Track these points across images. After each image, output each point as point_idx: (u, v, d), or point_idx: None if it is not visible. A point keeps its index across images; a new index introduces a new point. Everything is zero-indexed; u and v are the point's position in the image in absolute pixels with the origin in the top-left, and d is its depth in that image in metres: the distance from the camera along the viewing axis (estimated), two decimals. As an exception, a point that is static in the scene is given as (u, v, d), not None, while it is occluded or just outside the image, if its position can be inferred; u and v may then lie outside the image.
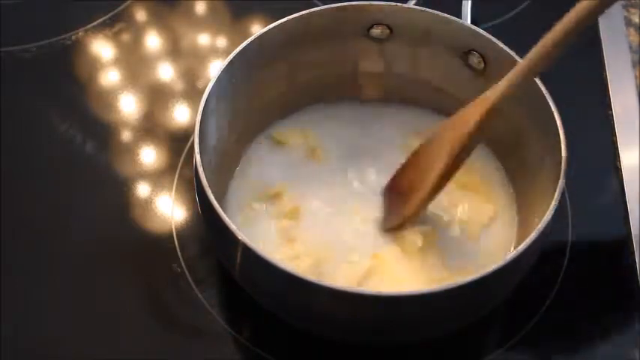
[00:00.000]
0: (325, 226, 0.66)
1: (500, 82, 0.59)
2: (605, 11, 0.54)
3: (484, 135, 0.60)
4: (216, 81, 0.62)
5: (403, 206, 0.63)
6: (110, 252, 0.68)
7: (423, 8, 0.67)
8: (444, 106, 0.71)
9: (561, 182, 0.58)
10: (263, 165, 0.69)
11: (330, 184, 0.68)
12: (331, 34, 0.68)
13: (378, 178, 0.68)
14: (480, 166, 0.69)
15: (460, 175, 0.63)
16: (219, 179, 0.65)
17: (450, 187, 0.64)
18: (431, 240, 0.65)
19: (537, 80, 0.61)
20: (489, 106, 0.58)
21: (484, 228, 0.66)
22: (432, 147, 0.62)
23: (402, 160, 0.66)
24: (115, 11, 0.84)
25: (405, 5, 0.68)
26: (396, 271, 0.63)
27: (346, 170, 0.69)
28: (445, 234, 0.65)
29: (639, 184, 0.73)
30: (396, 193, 0.65)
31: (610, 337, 0.66)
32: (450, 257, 0.64)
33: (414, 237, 0.64)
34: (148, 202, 0.71)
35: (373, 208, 0.67)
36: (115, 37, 0.83)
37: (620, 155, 0.75)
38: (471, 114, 0.59)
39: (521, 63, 0.58)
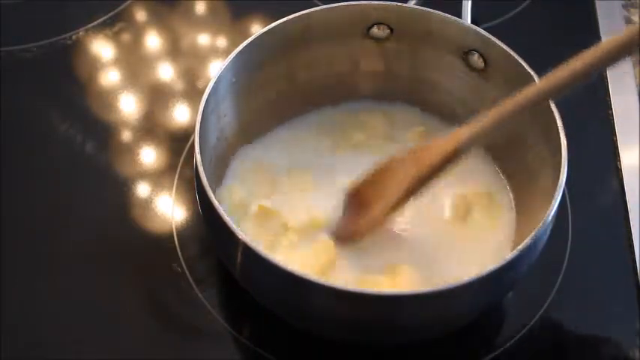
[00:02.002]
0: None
1: (471, 124, 0.58)
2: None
3: (446, 170, 0.59)
4: (216, 81, 0.62)
5: (360, 217, 0.63)
6: (110, 252, 0.68)
7: (424, 8, 0.67)
8: (444, 106, 0.71)
9: (561, 182, 0.58)
10: (264, 164, 0.69)
11: (330, 182, 0.68)
12: (331, 34, 0.68)
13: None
14: (479, 166, 0.69)
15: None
16: (220, 179, 0.65)
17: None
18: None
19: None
20: (455, 146, 0.58)
21: (484, 228, 0.66)
22: (398, 167, 0.61)
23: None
24: (115, 11, 0.84)
25: (405, 5, 0.68)
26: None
27: (347, 169, 0.69)
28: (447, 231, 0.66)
29: (639, 184, 0.73)
30: (356, 203, 0.64)
31: (610, 337, 0.66)
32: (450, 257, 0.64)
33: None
34: (148, 202, 0.71)
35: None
36: (115, 37, 0.83)
37: (620, 155, 0.75)
38: (439, 147, 0.58)
39: (496, 109, 0.57)
